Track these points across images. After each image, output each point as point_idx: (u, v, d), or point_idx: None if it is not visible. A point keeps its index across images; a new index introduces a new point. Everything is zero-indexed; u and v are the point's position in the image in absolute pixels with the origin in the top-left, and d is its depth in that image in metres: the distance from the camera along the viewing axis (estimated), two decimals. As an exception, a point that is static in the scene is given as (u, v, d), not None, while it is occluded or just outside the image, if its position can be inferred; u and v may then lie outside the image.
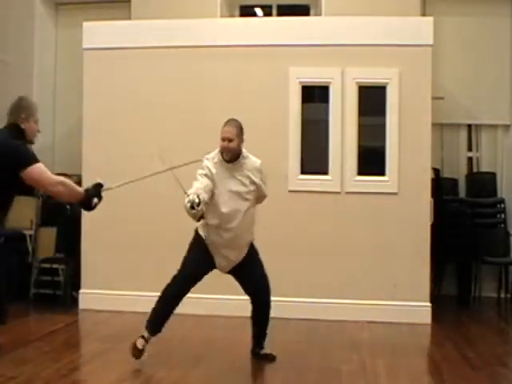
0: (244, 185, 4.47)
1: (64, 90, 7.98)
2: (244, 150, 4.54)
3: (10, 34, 7.73)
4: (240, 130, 4.52)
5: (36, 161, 3.80)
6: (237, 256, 4.54)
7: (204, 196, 4.22)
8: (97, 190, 3.97)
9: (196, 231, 4.60)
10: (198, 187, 4.28)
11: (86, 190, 3.96)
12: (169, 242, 6.14)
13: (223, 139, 4.45)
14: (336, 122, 6.14)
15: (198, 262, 4.53)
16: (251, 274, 4.61)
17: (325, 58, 6.14)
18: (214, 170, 4.43)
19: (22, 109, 4.17)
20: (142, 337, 4.52)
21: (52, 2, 8.10)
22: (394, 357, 4.88)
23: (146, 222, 6.26)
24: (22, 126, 4.12)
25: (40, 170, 3.80)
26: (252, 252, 4.62)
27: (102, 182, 4.00)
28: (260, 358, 4.69)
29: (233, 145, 4.42)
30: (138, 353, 4.49)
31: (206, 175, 4.41)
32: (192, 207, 4.12)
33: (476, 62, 7.40)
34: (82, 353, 5.07)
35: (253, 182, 4.51)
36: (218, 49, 6.22)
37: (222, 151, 4.46)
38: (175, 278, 4.56)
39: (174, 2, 7.25)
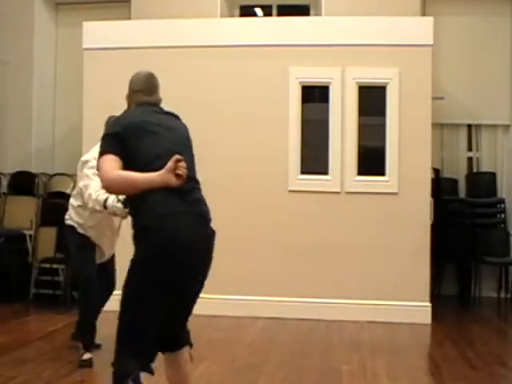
0: None
1: (64, 90, 7.99)
2: None
3: (9, 33, 7.73)
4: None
5: None
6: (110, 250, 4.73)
7: None
8: None
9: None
10: (97, 185, 4.18)
11: None
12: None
13: None
14: (336, 122, 6.14)
15: None
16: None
17: (325, 58, 6.14)
18: None
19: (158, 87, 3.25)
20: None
21: (52, 2, 8.10)
22: (394, 357, 4.88)
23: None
24: None
25: None
26: None
27: None
28: None
29: None
30: None
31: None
32: (125, 205, 3.86)
33: (476, 62, 7.40)
34: (82, 353, 5.05)
35: None
36: (217, 49, 6.23)
37: None
38: None
39: (174, 2, 7.25)
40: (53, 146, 8.04)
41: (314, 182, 6.15)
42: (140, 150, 2.77)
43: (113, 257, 4.81)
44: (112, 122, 3.03)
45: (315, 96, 6.44)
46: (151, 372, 2.83)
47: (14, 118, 7.79)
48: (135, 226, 2.85)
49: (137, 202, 2.78)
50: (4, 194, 7.44)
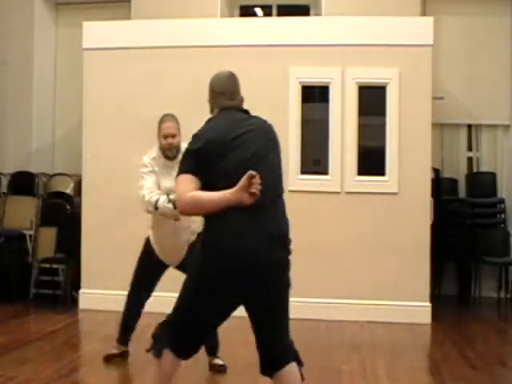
0: None
1: (64, 90, 7.99)
2: (182, 146, 4.19)
3: (9, 33, 7.74)
4: (179, 125, 4.36)
5: None
6: (174, 253, 4.40)
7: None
8: None
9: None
10: (150, 186, 4.19)
11: None
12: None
13: (166, 136, 4.26)
14: (336, 121, 6.14)
15: None
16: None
17: (325, 57, 6.14)
18: (156, 168, 4.28)
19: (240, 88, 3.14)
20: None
21: (52, 2, 8.10)
22: (394, 357, 4.88)
23: (145, 221, 6.24)
24: None
25: None
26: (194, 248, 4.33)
27: None
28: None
29: (176, 141, 4.26)
30: None
31: (150, 172, 4.26)
32: (175, 207, 3.94)
33: (476, 62, 7.40)
34: (81, 353, 5.06)
35: None
36: (218, 49, 6.22)
37: (166, 149, 4.27)
38: None
39: (174, 2, 7.25)
40: (53, 146, 8.04)
41: (314, 182, 6.15)
42: (216, 167, 2.72)
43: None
44: (194, 136, 2.88)
45: (315, 96, 6.44)
46: (182, 356, 2.95)
47: (13, 118, 7.79)
48: (202, 238, 2.89)
49: (207, 217, 2.80)
50: (4, 194, 7.44)
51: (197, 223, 4.18)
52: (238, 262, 2.69)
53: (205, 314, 2.84)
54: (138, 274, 4.58)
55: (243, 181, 2.61)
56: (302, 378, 2.90)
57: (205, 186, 2.71)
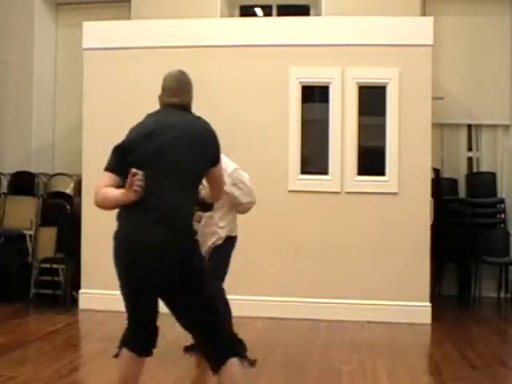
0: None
1: (64, 90, 8.00)
2: None
3: (9, 33, 7.74)
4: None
5: None
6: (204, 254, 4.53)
7: None
8: None
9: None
10: None
11: None
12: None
13: None
14: (336, 122, 6.14)
15: None
16: None
17: (325, 57, 6.14)
18: None
19: (191, 87, 3.28)
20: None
21: (52, 2, 8.10)
22: (394, 357, 4.88)
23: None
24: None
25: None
26: (214, 259, 4.41)
27: None
28: None
29: None
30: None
31: None
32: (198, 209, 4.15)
33: (476, 62, 7.40)
34: (81, 353, 5.06)
35: None
36: (217, 49, 6.22)
37: None
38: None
39: (173, 1, 7.25)
40: (53, 146, 8.04)
41: (314, 182, 6.15)
42: (132, 161, 2.86)
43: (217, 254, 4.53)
44: (129, 131, 3.10)
45: (315, 96, 6.44)
46: (115, 356, 2.99)
47: (13, 118, 7.80)
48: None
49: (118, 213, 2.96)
50: (4, 194, 7.44)
51: (224, 229, 4.45)
52: (139, 254, 2.79)
53: (137, 308, 2.94)
54: None
55: (128, 180, 2.75)
56: (253, 364, 3.08)
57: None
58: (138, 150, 2.88)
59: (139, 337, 2.97)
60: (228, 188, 4.33)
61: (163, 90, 3.18)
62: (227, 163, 4.39)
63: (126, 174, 2.80)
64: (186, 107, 3.11)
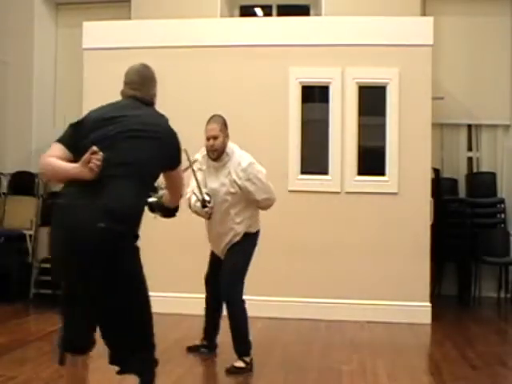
0: (223, 184, 4.30)
1: (64, 90, 7.99)
2: (230, 147, 4.36)
3: (9, 34, 7.73)
4: (224, 126, 4.37)
5: None
6: (221, 251, 4.48)
7: (207, 191, 4.30)
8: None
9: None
10: (195, 185, 4.32)
11: None
12: (169, 242, 6.15)
13: (208, 138, 4.33)
14: (336, 122, 6.14)
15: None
16: (221, 273, 4.43)
17: (325, 57, 6.14)
18: (203, 167, 4.41)
19: (154, 80, 3.14)
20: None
21: (52, 2, 8.10)
22: (394, 357, 4.88)
23: (145, 221, 6.24)
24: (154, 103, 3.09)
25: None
26: (232, 253, 4.39)
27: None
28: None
29: (218, 142, 4.31)
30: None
31: (199, 169, 4.40)
32: (204, 206, 4.20)
33: (476, 62, 7.40)
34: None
35: (234, 182, 4.28)
36: (217, 49, 6.23)
37: (208, 150, 4.35)
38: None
39: (174, 1, 7.25)
40: (53, 146, 8.03)
41: (314, 182, 6.14)
42: (86, 140, 2.76)
43: (228, 259, 4.44)
44: (89, 112, 3.00)
45: (315, 96, 6.44)
46: (77, 352, 2.89)
47: (13, 118, 7.79)
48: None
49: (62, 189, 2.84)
50: (4, 194, 7.44)
51: (240, 225, 4.33)
52: (70, 238, 2.65)
53: (70, 300, 2.76)
54: (208, 266, 4.69)
55: (85, 156, 2.65)
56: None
57: (77, 158, 2.73)
58: (95, 131, 2.78)
59: (77, 334, 2.84)
60: (241, 182, 4.27)
61: (125, 83, 3.07)
62: (243, 157, 4.34)
63: (77, 152, 2.71)
64: (147, 101, 3.01)
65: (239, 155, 4.36)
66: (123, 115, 2.86)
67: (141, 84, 3.02)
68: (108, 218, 2.61)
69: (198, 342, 4.78)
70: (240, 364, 4.32)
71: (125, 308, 2.77)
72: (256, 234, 4.52)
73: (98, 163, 2.64)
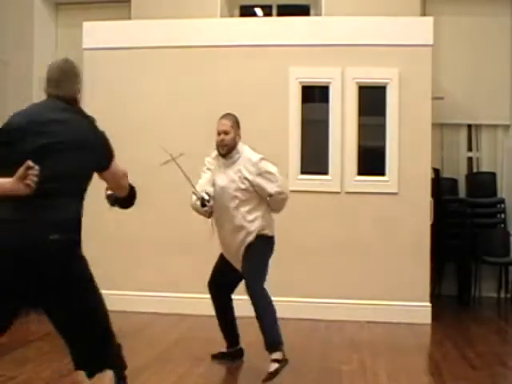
0: (232, 181, 4.26)
1: (64, 90, 7.98)
2: (241, 145, 4.38)
3: (9, 33, 7.73)
4: (236, 123, 4.42)
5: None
6: (234, 252, 4.39)
7: (210, 190, 4.25)
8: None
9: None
10: (202, 183, 4.30)
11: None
12: (169, 242, 6.15)
13: (218, 132, 4.35)
14: (336, 122, 6.14)
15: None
16: (242, 271, 4.37)
17: (325, 57, 6.14)
18: (212, 166, 4.41)
19: (78, 76, 3.06)
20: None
21: (52, 2, 8.10)
22: (394, 357, 4.88)
23: (145, 221, 6.25)
24: (78, 99, 3.03)
25: (116, 163, 3.06)
26: (248, 255, 4.31)
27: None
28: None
29: (228, 138, 4.32)
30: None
31: (207, 169, 4.40)
32: (203, 205, 4.15)
33: (476, 62, 7.40)
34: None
35: (245, 179, 4.25)
36: (217, 49, 6.23)
37: (218, 145, 4.35)
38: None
39: (174, 1, 7.25)
40: (53, 146, 8.04)
41: (314, 182, 6.14)
42: (13, 152, 2.71)
43: (244, 266, 4.35)
44: (14, 116, 2.89)
45: (315, 96, 6.44)
46: None
47: (13, 118, 7.78)
48: None
49: None
50: (4, 193, 7.43)
51: (253, 223, 4.24)
52: (13, 251, 2.64)
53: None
54: (212, 272, 4.60)
55: (20, 171, 2.55)
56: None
57: (4, 169, 2.65)
58: (25, 140, 2.72)
59: None
60: (253, 178, 4.22)
61: (47, 81, 3.02)
62: (253, 154, 4.33)
63: (4, 163, 2.66)
64: (70, 100, 2.95)
65: (249, 153, 4.35)
66: (51, 120, 2.84)
67: (62, 81, 2.97)
68: (58, 230, 2.67)
69: (223, 349, 4.66)
70: (273, 367, 4.05)
71: (84, 308, 2.84)
72: (272, 238, 4.41)
73: (35, 179, 2.56)
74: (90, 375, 2.92)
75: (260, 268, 4.34)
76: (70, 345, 2.92)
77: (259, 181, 4.24)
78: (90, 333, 2.86)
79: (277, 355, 4.08)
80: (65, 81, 2.96)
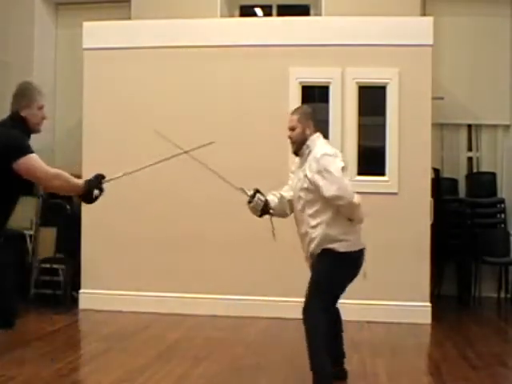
0: (299, 179, 3.93)
1: (64, 90, 7.99)
2: (312, 139, 3.95)
3: (10, 33, 7.73)
4: (304, 115, 4.00)
5: (30, 151, 3.51)
6: (307, 260, 4.22)
7: (275, 195, 4.07)
8: (98, 181, 3.60)
9: None
10: (285, 188, 4.15)
11: (88, 182, 3.56)
12: (169, 242, 6.15)
13: (288, 129, 4.04)
14: (336, 122, 6.14)
15: None
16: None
17: (325, 57, 6.14)
18: (293, 167, 4.16)
19: (22, 95, 3.63)
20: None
21: (52, 2, 8.10)
22: (394, 357, 4.88)
23: (146, 221, 6.26)
24: (23, 113, 3.57)
25: (33, 162, 3.48)
26: (314, 265, 4.10)
27: (103, 173, 3.69)
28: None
29: (295, 133, 3.97)
30: None
31: (291, 172, 4.18)
32: (249, 201, 4.01)
33: (476, 62, 7.40)
34: (82, 353, 5.07)
35: (305, 176, 3.86)
36: (217, 49, 6.23)
37: (290, 142, 4.04)
38: None
39: (174, 1, 7.25)
40: (53, 146, 8.03)
41: (314, 182, 6.13)
42: None
43: (315, 268, 4.15)
44: None
45: (315, 96, 6.44)
46: None
47: (14, 118, 7.79)
48: None
49: None
50: (4, 193, 7.44)
51: (315, 230, 3.88)
52: None
53: None
54: None
55: None
56: None
57: None
58: None
59: None
60: (311, 175, 3.81)
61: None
62: (320, 147, 3.91)
63: None
64: (14, 116, 3.57)
65: (318, 147, 3.89)
66: None
67: (13, 101, 3.60)
68: None
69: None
70: None
71: None
72: (342, 255, 3.91)
73: None
74: None
75: (317, 287, 4.08)
76: None
77: (316, 179, 3.79)
78: None
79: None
80: (13, 100, 3.61)
